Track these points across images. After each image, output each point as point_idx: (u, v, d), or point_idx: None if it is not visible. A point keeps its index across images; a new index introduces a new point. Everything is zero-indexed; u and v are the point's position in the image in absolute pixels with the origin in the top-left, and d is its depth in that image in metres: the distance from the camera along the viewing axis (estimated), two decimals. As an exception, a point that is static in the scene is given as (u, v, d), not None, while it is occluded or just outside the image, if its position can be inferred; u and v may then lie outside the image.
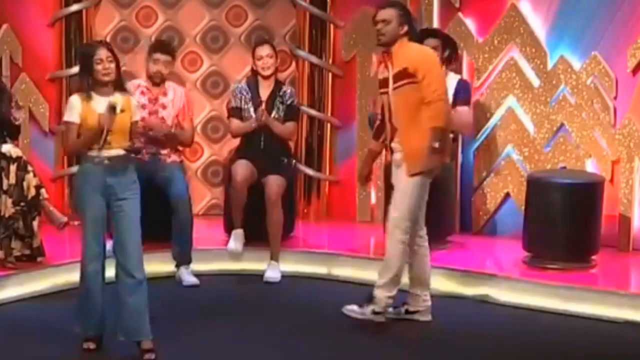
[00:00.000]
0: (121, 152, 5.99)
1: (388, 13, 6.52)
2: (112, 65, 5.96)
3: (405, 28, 6.53)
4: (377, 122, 6.83)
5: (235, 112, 8.05)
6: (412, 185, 6.51)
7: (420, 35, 8.07)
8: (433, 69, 6.53)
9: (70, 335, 6.25)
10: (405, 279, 6.69)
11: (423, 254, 6.72)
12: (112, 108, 5.88)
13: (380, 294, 6.59)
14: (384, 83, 6.60)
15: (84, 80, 5.99)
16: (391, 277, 6.56)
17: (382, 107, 6.74)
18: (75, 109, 5.98)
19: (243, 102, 8.02)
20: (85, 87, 5.98)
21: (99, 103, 5.94)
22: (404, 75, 6.46)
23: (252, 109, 7.98)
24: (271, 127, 7.93)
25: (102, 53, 5.94)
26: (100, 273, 6.08)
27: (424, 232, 6.70)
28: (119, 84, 6.04)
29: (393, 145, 6.61)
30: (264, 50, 7.99)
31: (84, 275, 6.09)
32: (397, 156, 6.59)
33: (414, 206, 6.51)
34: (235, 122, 8.06)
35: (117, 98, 5.96)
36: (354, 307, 6.63)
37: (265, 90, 8.02)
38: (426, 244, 6.74)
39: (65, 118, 6.04)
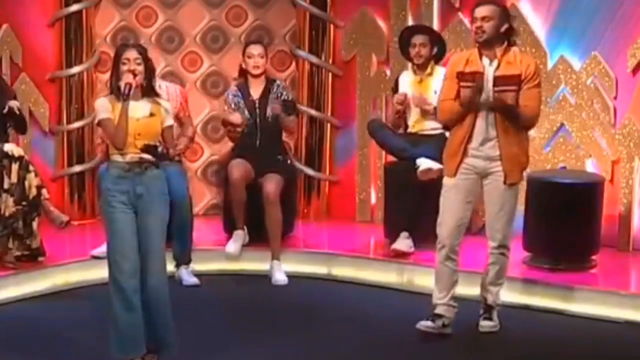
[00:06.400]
0: (148, 156, 5.77)
1: (489, 10, 6.41)
2: (140, 68, 5.79)
3: (506, 26, 6.44)
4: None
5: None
6: (515, 199, 6.58)
7: (408, 32, 8.11)
8: (540, 86, 6.52)
9: (69, 335, 6.26)
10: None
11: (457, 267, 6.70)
12: (122, 92, 5.71)
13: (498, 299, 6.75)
14: (471, 77, 6.43)
15: (112, 80, 5.84)
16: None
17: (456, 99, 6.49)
18: (104, 107, 5.79)
19: (236, 106, 8.04)
20: (113, 87, 5.83)
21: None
22: (516, 81, 6.39)
23: (245, 111, 8.01)
24: (281, 122, 7.99)
25: (130, 54, 5.80)
26: (139, 289, 5.76)
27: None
28: (147, 88, 5.85)
29: (477, 148, 6.48)
30: (256, 49, 8.05)
31: (121, 292, 5.70)
32: (483, 162, 6.48)
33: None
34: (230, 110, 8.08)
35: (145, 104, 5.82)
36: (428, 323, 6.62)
37: (256, 89, 8.06)
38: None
39: (99, 118, 5.81)
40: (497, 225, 6.59)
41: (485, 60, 6.46)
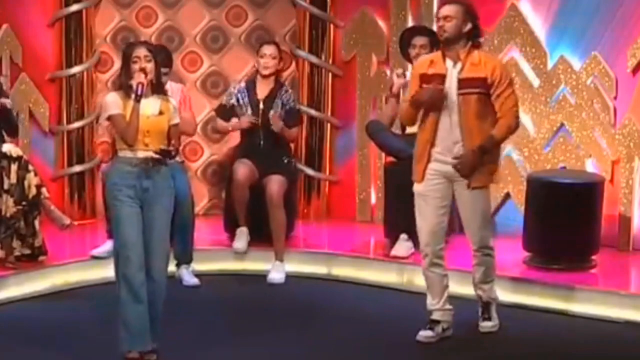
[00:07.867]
0: (159, 157, 5.82)
1: (451, 9, 6.32)
2: (150, 65, 5.83)
3: (469, 26, 6.33)
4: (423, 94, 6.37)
5: (224, 111, 8.11)
6: (485, 200, 6.51)
7: (409, 33, 8.10)
8: (512, 85, 6.42)
9: (69, 335, 6.24)
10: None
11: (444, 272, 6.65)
12: (135, 92, 5.75)
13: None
14: (434, 79, 6.34)
15: (122, 78, 5.87)
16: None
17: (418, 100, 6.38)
18: (115, 103, 5.83)
19: (240, 102, 8.05)
20: (123, 85, 5.86)
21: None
22: (481, 84, 6.29)
23: (249, 109, 8.02)
24: (281, 134, 7.96)
25: (140, 52, 5.83)
26: (145, 283, 5.81)
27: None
28: (157, 85, 5.91)
29: (442, 152, 6.37)
30: (268, 50, 8.05)
31: (129, 285, 5.76)
32: (448, 166, 6.36)
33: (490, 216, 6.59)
34: (220, 122, 8.14)
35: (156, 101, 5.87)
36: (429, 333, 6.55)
37: (263, 89, 8.06)
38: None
39: (110, 112, 5.84)
40: (472, 228, 6.53)
41: (449, 62, 6.37)
